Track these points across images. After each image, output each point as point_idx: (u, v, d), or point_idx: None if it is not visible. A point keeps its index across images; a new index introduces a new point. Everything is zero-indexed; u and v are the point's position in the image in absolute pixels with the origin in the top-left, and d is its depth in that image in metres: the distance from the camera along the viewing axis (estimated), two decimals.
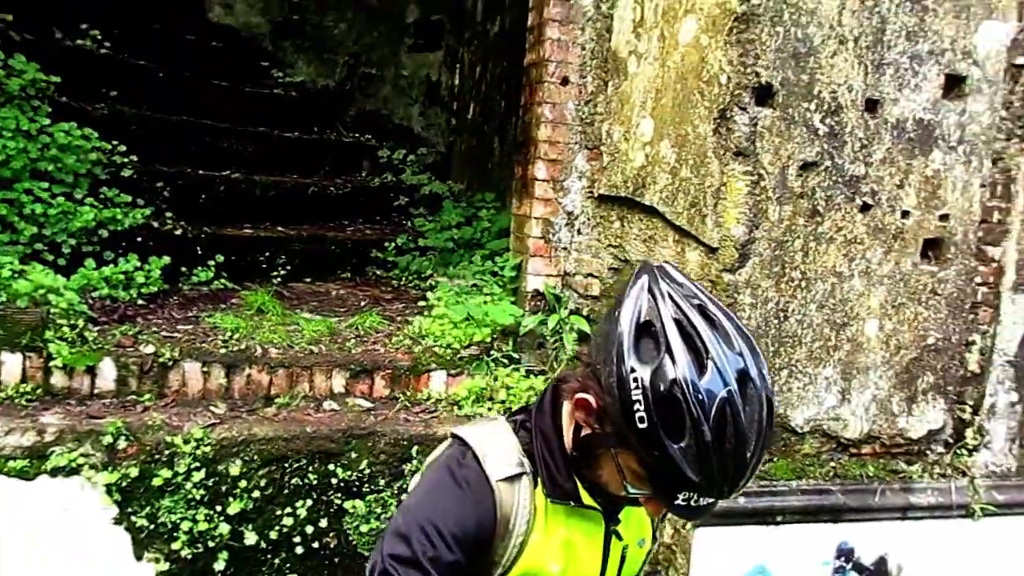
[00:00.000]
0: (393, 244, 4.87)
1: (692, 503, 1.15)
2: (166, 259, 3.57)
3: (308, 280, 4.48)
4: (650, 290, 1.19)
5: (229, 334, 3.20)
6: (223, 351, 3.10)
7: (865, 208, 2.86)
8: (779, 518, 2.87)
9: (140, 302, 3.44)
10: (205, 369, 3.05)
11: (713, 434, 1.10)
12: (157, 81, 4.64)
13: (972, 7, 2.89)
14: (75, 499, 2.68)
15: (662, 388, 1.10)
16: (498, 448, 1.31)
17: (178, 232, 3.87)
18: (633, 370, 1.12)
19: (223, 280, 3.92)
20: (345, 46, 6.20)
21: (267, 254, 4.26)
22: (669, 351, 1.12)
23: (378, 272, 4.81)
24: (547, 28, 3.27)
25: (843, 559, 3.00)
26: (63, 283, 3.04)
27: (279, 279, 4.24)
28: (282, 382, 3.14)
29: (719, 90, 2.73)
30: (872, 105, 2.83)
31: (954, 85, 2.93)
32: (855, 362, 2.94)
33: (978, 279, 3.07)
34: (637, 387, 1.12)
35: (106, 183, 3.66)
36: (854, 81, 2.79)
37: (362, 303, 4.16)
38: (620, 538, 1.40)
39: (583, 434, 1.28)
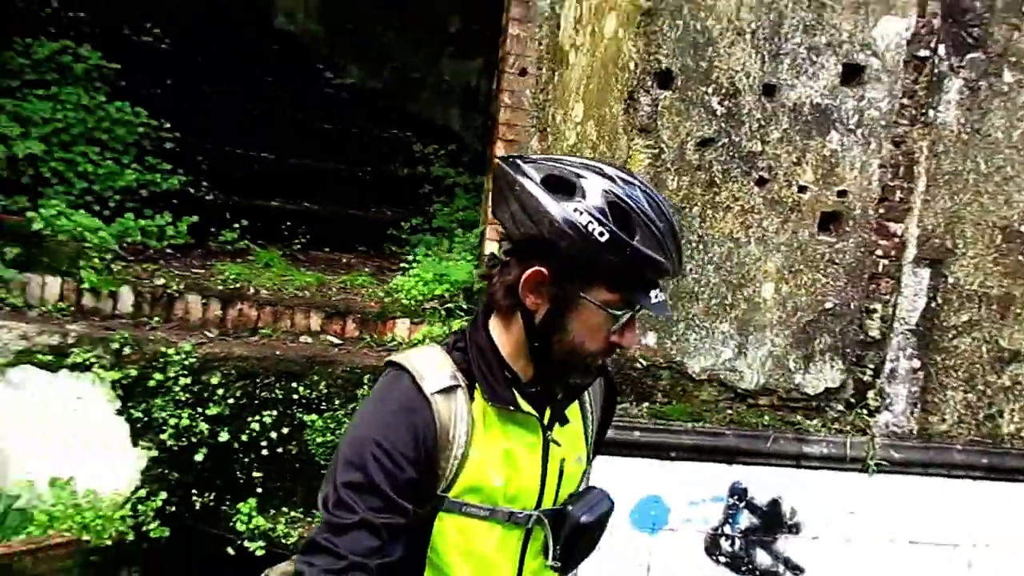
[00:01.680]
0: (408, 224, 5.44)
1: (659, 295, 1.30)
2: (195, 218, 4.26)
3: (327, 250, 5.11)
4: (518, 163, 1.33)
5: (232, 277, 3.83)
6: (220, 288, 3.73)
7: (762, 182, 3.21)
8: (673, 454, 3.23)
9: (168, 251, 4.13)
10: (204, 301, 3.69)
11: (655, 217, 1.27)
12: (215, 73, 5.40)
13: (870, 4, 3.21)
14: (87, 391, 3.34)
15: (599, 202, 1.25)
16: (431, 365, 1.34)
17: (209, 198, 4.58)
18: (572, 207, 1.25)
19: (246, 241, 4.58)
20: (393, 53, 6.86)
21: (289, 223, 4.91)
22: (581, 181, 1.27)
23: (393, 248, 5.38)
24: (509, 26, 3.77)
25: (736, 498, 3.31)
26: (100, 226, 3.74)
27: (299, 246, 4.88)
28: (268, 317, 3.74)
29: (628, 75, 3.16)
30: (769, 89, 3.19)
31: (853, 74, 3.24)
32: (751, 320, 3.28)
33: (879, 252, 3.35)
34: (581, 213, 1.24)
35: (151, 153, 4.39)
36: (751, 68, 3.16)
37: (365, 269, 4.75)
38: (558, 444, 1.44)
39: (542, 313, 1.33)
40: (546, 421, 1.42)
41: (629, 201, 1.26)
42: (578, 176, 1.27)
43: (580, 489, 1.54)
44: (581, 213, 1.24)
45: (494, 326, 1.40)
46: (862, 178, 3.28)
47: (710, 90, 3.14)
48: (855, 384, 3.39)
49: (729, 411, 3.32)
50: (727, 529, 3.30)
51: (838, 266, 3.30)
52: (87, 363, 3.31)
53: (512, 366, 1.38)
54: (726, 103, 3.15)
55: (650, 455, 3.22)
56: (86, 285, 3.54)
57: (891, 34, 3.24)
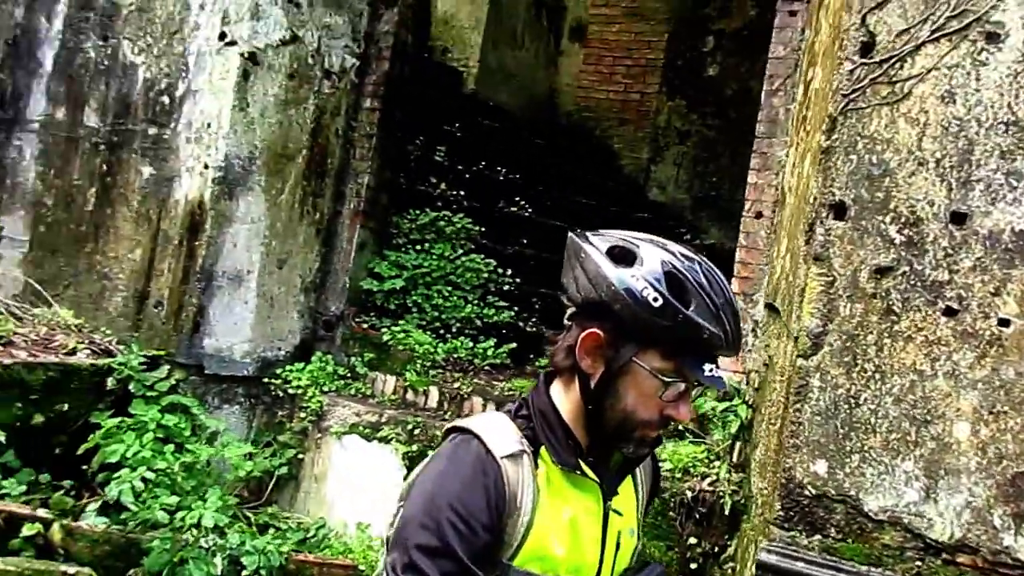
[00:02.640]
0: None
1: (715, 371, 1.33)
2: (513, 344, 5.30)
3: None
4: (588, 237, 1.41)
5: (513, 387, 4.71)
6: (497, 394, 4.62)
7: (950, 312, 3.02)
8: None
9: (486, 368, 5.20)
10: (484, 403, 4.61)
11: (711, 288, 1.32)
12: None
13: None
14: (387, 458, 4.46)
15: (658, 270, 1.32)
16: (498, 430, 1.38)
17: (530, 330, 5.59)
18: (630, 274, 1.32)
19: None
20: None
21: None
22: (642, 252, 1.35)
23: None
24: (748, 175, 4.16)
25: None
26: (431, 342, 4.98)
27: None
28: None
29: (809, 208, 3.34)
30: (959, 218, 3.04)
31: None
32: (941, 462, 2.98)
33: None
34: (637, 279, 1.30)
35: (492, 293, 5.62)
36: (935, 197, 3.08)
37: None
38: (620, 514, 1.47)
39: (597, 376, 1.37)
40: (606, 489, 1.45)
41: (686, 272, 1.32)
42: (638, 247, 1.36)
43: (634, 564, 1.58)
44: (637, 279, 1.31)
45: (555, 391, 1.44)
46: None
47: (888, 219, 3.14)
48: None
49: (919, 563, 3.00)
50: None
51: None
52: (388, 438, 4.44)
53: (573, 431, 1.41)
54: (905, 231, 3.11)
55: None
56: (407, 383, 4.75)
57: None
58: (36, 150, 5.04)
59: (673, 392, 1.34)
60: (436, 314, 5.32)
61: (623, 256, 1.35)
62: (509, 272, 5.72)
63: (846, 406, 3.15)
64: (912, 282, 3.09)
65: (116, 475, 3.81)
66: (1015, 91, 3.01)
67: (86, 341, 4.48)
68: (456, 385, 4.70)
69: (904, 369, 3.07)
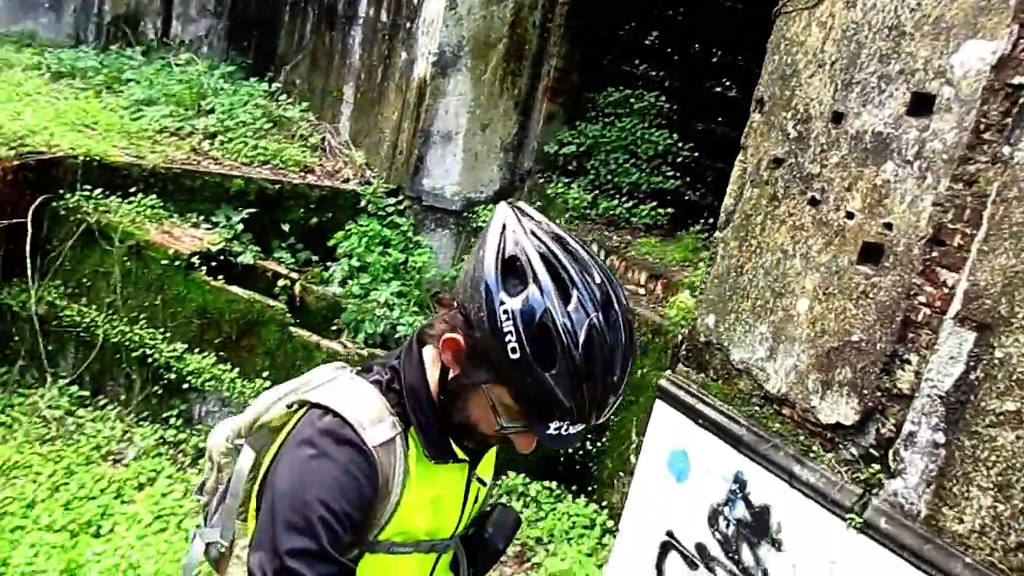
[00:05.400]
0: None
1: (563, 432, 1.21)
2: (671, 209, 6.16)
3: None
4: (512, 227, 1.23)
5: (638, 243, 5.72)
6: (615, 247, 5.68)
7: (814, 202, 3.38)
8: (700, 421, 3.79)
9: (639, 227, 6.19)
10: (617, 261, 5.72)
11: (582, 359, 1.16)
12: None
13: (954, 28, 2.93)
14: None
15: (532, 319, 1.16)
16: (369, 413, 1.30)
17: (693, 199, 6.32)
18: (503, 303, 1.17)
19: (696, 233, 6.15)
20: None
21: None
22: (536, 282, 1.17)
23: None
24: None
25: (738, 486, 3.60)
26: (585, 199, 6.14)
27: None
28: (620, 269, 5.50)
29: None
30: (837, 117, 3.31)
31: (921, 103, 3.02)
32: (784, 329, 3.48)
33: (922, 298, 3.00)
34: (508, 319, 1.16)
35: (667, 164, 6.44)
36: (824, 96, 3.37)
37: None
38: (483, 483, 1.50)
39: (451, 376, 1.31)
40: (473, 462, 1.45)
41: (565, 327, 1.17)
42: (535, 273, 1.19)
43: (487, 507, 1.62)
44: (508, 315, 1.17)
45: (427, 358, 1.38)
46: (911, 213, 3.04)
47: (788, 115, 3.52)
48: (875, 436, 3.16)
49: (758, 407, 3.61)
50: (726, 511, 3.66)
51: (871, 301, 3.16)
52: None
53: (439, 410, 1.35)
54: (798, 127, 3.48)
55: (687, 414, 3.86)
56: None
57: (973, 59, 2.89)
58: (360, 37, 7.24)
59: (514, 428, 1.28)
60: (609, 178, 6.39)
61: (513, 273, 1.21)
62: (690, 145, 6.43)
63: (734, 273, 3.75)
64: (794, 173, 3.49)
65: (340, 262, 5.99)
66: None
67: (359, 174, 6.69)
68: (591, 237, 5.85)
69: (775, 248, 3.56)
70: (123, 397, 5.39)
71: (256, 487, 1.40)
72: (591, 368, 1.17)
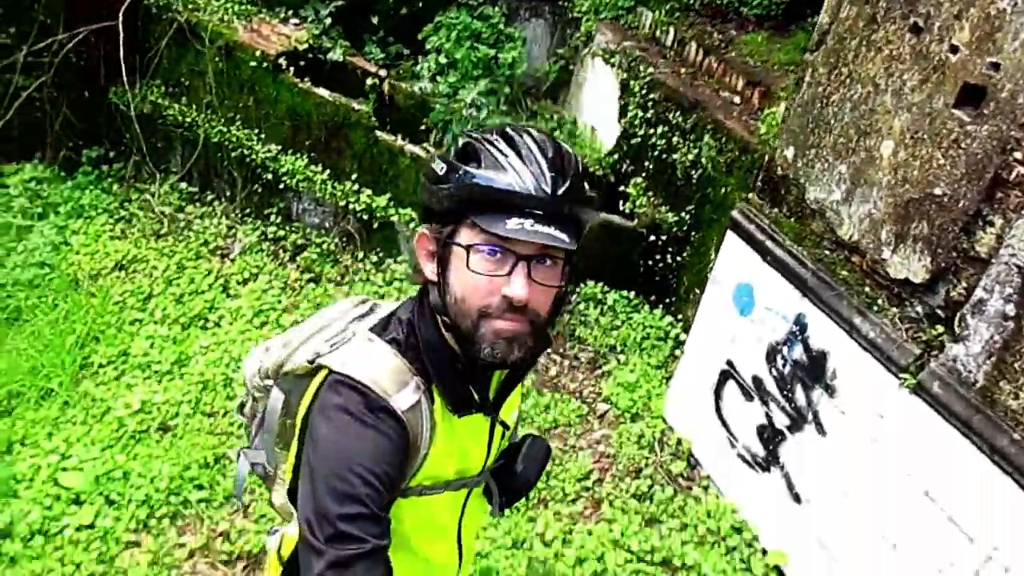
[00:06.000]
0: None
1: (528, 226, 1.22)
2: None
3: None
4: (447, 155, 1.34)
5: (742, 41, 5.21)
6: (720, 44, 5.20)
7: (916, 29, 2.93)
8: (768, 258, 3.64)
9: (750, 17, 5.59)
10: (699, 48, 5.26)
11: (519, 149, 1.26)
12: None
13: None
14: (608, 78, 5.58)
15: (459, 147, 1.31)
16: (394, 380, 1.34)
17: None
18: (435, 161, 1.33)
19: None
20: None
21: None
22: (468, 148, 1.31)
23: None
24: None
25: (799, 328, 3.52)
26: None
27: None
28: (714, 70, 5.07)
29: None
30: None
31: None
32: (864, 172, 3.18)
33: (1018, 155, 2.63)
34: (436, 162, 1.32)
35: None
36: None
37: None
38: (506, 427, 1.55)
39: (432, 269, 1.36)
40: (494, 399, 1.48)
41: (487, 140, 1.28)
42: (471, 149, 1.30)
43: (517, 438, 1.69)
44: (436, 162, 1.31)
45: (434, 304, 1.38)
46: (1022, 54, 2.59)
47: None
48: (943, 298, 2.95)
49: (827, 252, 3.42)
50: (784, 350, 3.62)
51: (962, 151, 2.81)
52: (613, 63, 5.51)
53: (458, 355, 1.38)
54: None
55: (756, 249, 3.71)
56: (655, 20, 5.56)
57: None
58: None
59: (489, 263, 1.27)
60: None
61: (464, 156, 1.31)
62: None
63: (819, 104, 3.40)
64: None
65: (428, 57, 5.82)
66: None
67: None
68: (690, 33, 5.35)
69: (866, 79, 3.17)
70: (228, 194, 5.71)
71: (291, 427, 1.56)
72: (517, 152, 1.25)
